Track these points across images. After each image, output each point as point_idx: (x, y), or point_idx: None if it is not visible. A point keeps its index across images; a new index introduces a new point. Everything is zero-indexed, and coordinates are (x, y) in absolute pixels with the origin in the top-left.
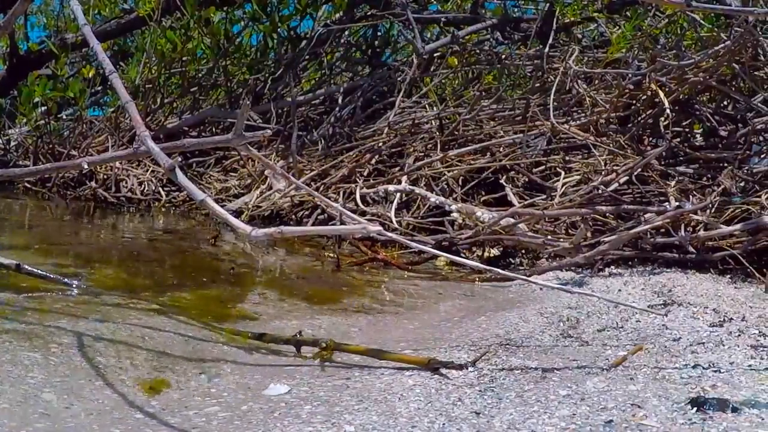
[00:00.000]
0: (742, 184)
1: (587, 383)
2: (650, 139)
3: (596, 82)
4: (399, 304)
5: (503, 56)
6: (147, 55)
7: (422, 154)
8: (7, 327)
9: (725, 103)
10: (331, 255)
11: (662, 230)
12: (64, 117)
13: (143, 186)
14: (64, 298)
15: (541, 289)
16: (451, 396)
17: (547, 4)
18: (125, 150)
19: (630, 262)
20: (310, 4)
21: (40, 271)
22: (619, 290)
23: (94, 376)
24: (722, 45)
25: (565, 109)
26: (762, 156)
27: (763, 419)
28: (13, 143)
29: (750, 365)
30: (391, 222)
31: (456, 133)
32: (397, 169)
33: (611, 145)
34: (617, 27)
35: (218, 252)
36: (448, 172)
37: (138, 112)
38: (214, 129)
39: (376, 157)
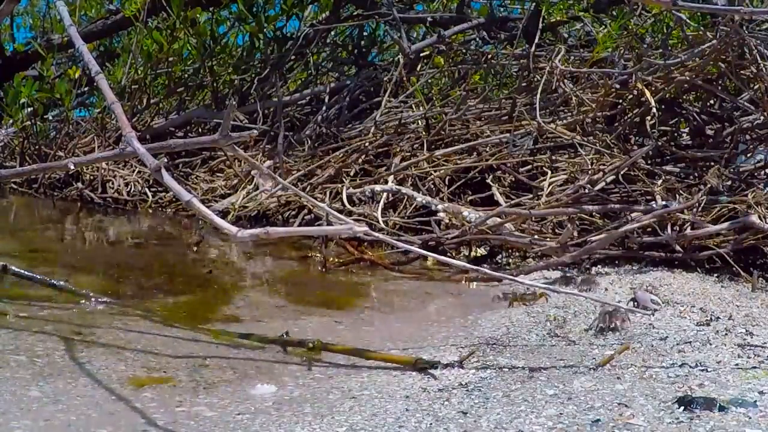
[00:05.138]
0: (728, 182)
1: (574, 382)
2: (637, 138)
3: (582, 81)
4: (386, 304)
5: (489, 56)
6: (133, 56)
7: (409, 153)
8: None
9: (712, 102)
10: (318, 255)
11: (649, 229)
12: (51, 118)
13: (129, 187)
14: (49, 303)
15: (527, 288)
16: (438, 396)
17: (533, 4)
18: (111, 151)
19: (617, 261)
20: (296, 5)
21: (26, 273)
22: (606, 289)
23: (80, 375)
24: (708, 44)
25: (551, 108)
26: (748, 155)
27: (749, 418)
28: None
29: (737, 364)
30: (378, 222)
31: (442, 132)
32: (383, 168)
33: (598, 144)
34: (603, 26)
35: (204, 256)
36: (435, 171)
37: (124, 112)
38: (200, 129)
39: (363, 157)
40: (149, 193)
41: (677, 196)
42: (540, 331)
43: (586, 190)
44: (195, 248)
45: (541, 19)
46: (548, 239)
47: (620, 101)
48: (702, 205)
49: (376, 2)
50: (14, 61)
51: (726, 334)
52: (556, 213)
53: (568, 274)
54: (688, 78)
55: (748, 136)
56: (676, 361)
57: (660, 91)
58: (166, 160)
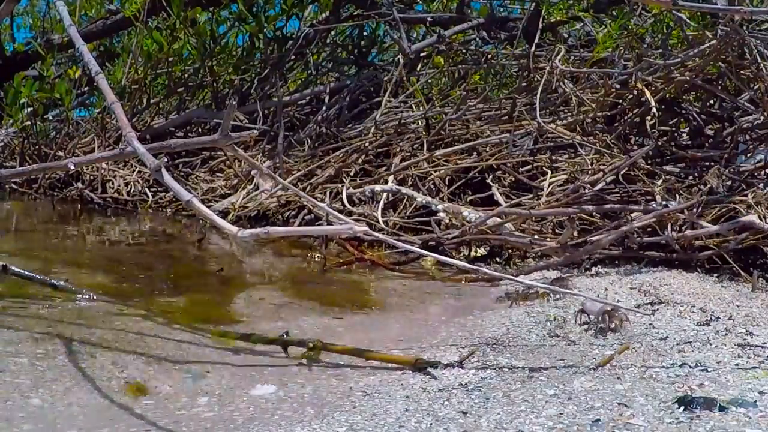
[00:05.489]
0: (728, 182)
1: (574, 382)
2: (636, 138)
3: (582, 81)
4: (386, 304)
5: (489, 56)
6: (133, 56)
7: (409, 153)
8: None
9: (711, 102)
10: (318, 256)
11: (649, 229)
12: (51, 118)
13: (130, 187)
14: (49, 304)
15: (528, 288)
16: (438, 396)
17: (533, 4)
18: (112, 151)
19: (616, 261)
20: (296, 5)
21: (27, 273)
22: (606, 289)
23: (81, 379)
24: (708, 44)
25: (551, 108)
26: (748, 155)
27: (750, 418)
28: None
29: (737, 364)
30: (378, 222)
31: (442, 132)
32: (383, 169)
33: (598, 144)
34: (603, 26)
35: (205, 255)
36: (435, 171)
37: (124, 112)
38: (200, 129)
39: (363, 157)
40: (149, 193)
41: (677, 196)
42: (540, 331)
43: (586, 190)
44: (197, 247)
45: (541, 19)
46: (548, 239)
47: (620, 101)
48: (702, 205)
49: (376, 2)
50: (14, 61)
51: (726, 334)
52: (556, 213)
53: (565, 275)
54: (688, 78)
55: (748, 136)
56: (676, 361)
57: (660, 91)
58: (166, 160)
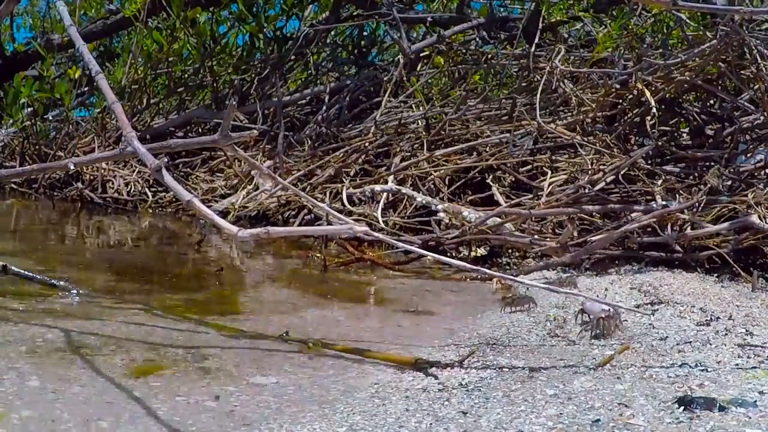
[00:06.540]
0: (728, 182)
1: (574, 382)
2: (637, 138)
3: (582, 81)
4: (386, 304)
5: (489, 56)
6: (133, 56)
7: (409, 153)
8: None
9: (712, 102)
10: (318, 255)
11: (649, 229)
12: (51, 118)
13: (130, 187)
14: (49, 300)
15: (527, 288)
16: (438, 396)
17: (533, 4)
18: (112, 151)
19: (617, 261)
20: (296, 5)
21: (26, 273)
22: (606, 289)
23: (81, 365)
24: (708, 44)
25: (551, 108)
26: (748, 155)
27: (750, 418)
28: None
29: (737, 364)
30: (378, 222)
31: (442, 132)
32: (383, 169)
33: (598, 144)
34: (603, 26)
35: (205, 256)
36: (435, 171)
37: (124, 112)
38: (200, 129)
39: (363, 157)
40: (149, 193)
41: (677, 196)
42: (540, 331)
43: (586, 190)
44: (197, 248)
45: (541, 19)
46: (548, 239)
47: (620, 101)
48: (702, 205)
49: (376, 2)
50: (14, 61)
51: (726, 334)
52: (556, 213)
53: (566, 274)
54: (688, 78)
55: (748, 136)
56: (676, 361)
57: (660, 91)
58: (166, 160)
